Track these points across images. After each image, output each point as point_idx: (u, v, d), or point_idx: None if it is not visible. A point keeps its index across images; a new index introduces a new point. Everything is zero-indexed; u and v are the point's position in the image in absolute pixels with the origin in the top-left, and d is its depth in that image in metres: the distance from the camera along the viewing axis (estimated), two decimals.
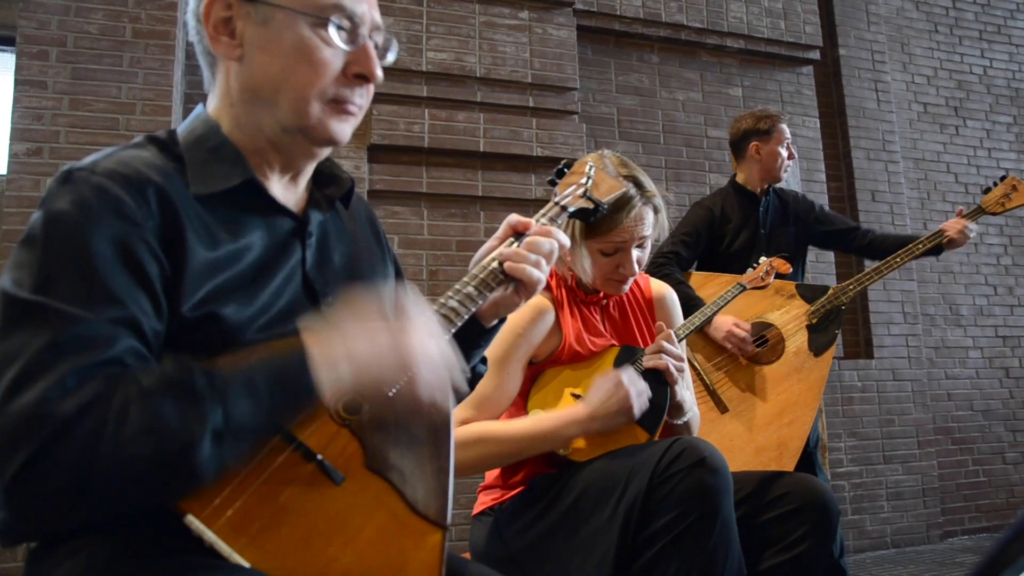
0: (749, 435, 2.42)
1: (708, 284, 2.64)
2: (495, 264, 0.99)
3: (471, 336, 1.04)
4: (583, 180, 1.20)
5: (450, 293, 0.96)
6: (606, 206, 1.20)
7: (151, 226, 0.79)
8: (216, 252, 0.84)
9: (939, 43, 5.22)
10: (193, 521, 0.74)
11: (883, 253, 2.80)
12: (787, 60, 4.68)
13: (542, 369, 1.59)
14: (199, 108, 0.96)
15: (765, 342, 2.55)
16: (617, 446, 1.48)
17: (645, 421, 1.53)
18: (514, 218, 1.04)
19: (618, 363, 1.58)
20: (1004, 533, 0.43)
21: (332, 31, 0.88)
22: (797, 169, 4.49)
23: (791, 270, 2.38)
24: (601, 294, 1.66)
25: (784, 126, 2.90)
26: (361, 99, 0.93)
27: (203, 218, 0.85)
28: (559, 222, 1.11)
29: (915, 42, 5.16)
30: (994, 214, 2.71)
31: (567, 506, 1.42)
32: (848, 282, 2.61)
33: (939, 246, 2.69)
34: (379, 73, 0.92)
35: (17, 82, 3.05)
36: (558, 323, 1.60)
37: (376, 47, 0.93)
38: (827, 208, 3.10)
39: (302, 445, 0.81)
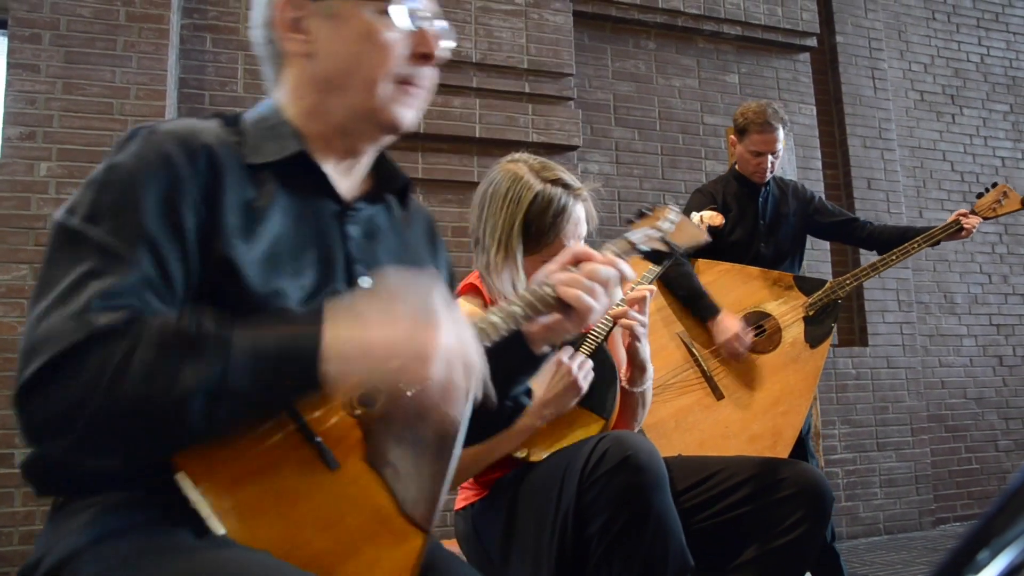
0: (744, 422, 2.45)
1: (708, 271, 2.65)
2: (547, 288, 0.96)
3: (518, 359, 1.02)
4: (662, 224, 1.22)
5: (495, 309, 0.94)
6: (682, 250, 1.22)
7: (198, 182, 0.85)
8: (246, 229, 0.87)
9: (936, 31, 5.21)
10: (183, 479, 0.76)
11: (881, 245, 2.82)
12: (784, 47, 4.66)
13: None
14: (268, 101, 1.02)
15: (762, 331, 2.56)
16: (571, 439, 1.47)
17: (595, 405, 1.53)
18: (578, 247, 1.02)
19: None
20: (990, 506, 0.43)
21: (394, 14, 0.94)
22: (793, 156, 4.48)
23: (723, 223, 2.34)
24: None
25: (764, 135, 2.74)
26: (425, 80, 0.98)
27: (244, 190, 0.89)
28: (626, 259, 1.07)
29: (912, 29, 5.15)
30: (986, 219, 2.77)
31: (517, 512, 1.43)
32: (845, 277, 2.64)
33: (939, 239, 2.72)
34: (439, 52, 0.97)
35: (10, 65, 3.03)
36: None
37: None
38: (825, 199, 3.10)
39: (306, 426, 0.82)
